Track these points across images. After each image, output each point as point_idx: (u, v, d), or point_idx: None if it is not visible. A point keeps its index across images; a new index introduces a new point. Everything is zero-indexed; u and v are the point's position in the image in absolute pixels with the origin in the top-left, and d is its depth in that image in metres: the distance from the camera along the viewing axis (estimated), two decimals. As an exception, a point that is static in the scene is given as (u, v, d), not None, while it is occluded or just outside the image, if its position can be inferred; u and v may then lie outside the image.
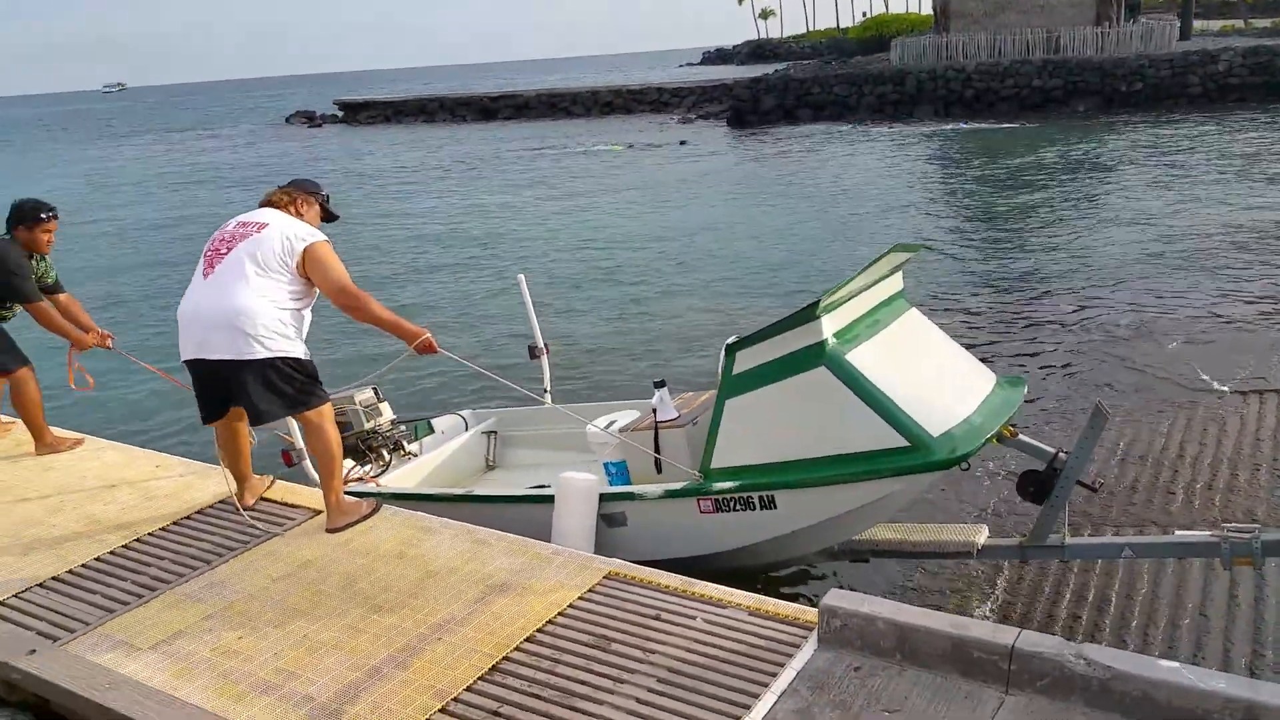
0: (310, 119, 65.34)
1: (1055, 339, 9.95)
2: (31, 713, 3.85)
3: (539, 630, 3.76)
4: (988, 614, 4.89)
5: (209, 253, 4.52)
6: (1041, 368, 9.15)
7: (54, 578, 4.56)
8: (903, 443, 3.94)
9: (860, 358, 4.11)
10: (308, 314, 4.60)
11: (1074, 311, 10.89)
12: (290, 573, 4.41)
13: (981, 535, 4.62)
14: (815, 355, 4.08)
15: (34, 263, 5.90)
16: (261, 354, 4.32)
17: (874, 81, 37.28)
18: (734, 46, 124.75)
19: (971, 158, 25.96)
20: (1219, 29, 58.74)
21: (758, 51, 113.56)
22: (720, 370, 4.37)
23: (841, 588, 3.58)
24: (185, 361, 4.53)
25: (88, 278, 16.66)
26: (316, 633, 3.89)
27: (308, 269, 4.45)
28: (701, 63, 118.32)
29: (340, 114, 62.69)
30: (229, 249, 4.44)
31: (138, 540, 4.88)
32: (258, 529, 4.85)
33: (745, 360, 4.28)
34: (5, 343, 6.00)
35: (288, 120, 67.66)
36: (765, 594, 3.96)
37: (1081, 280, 12.27)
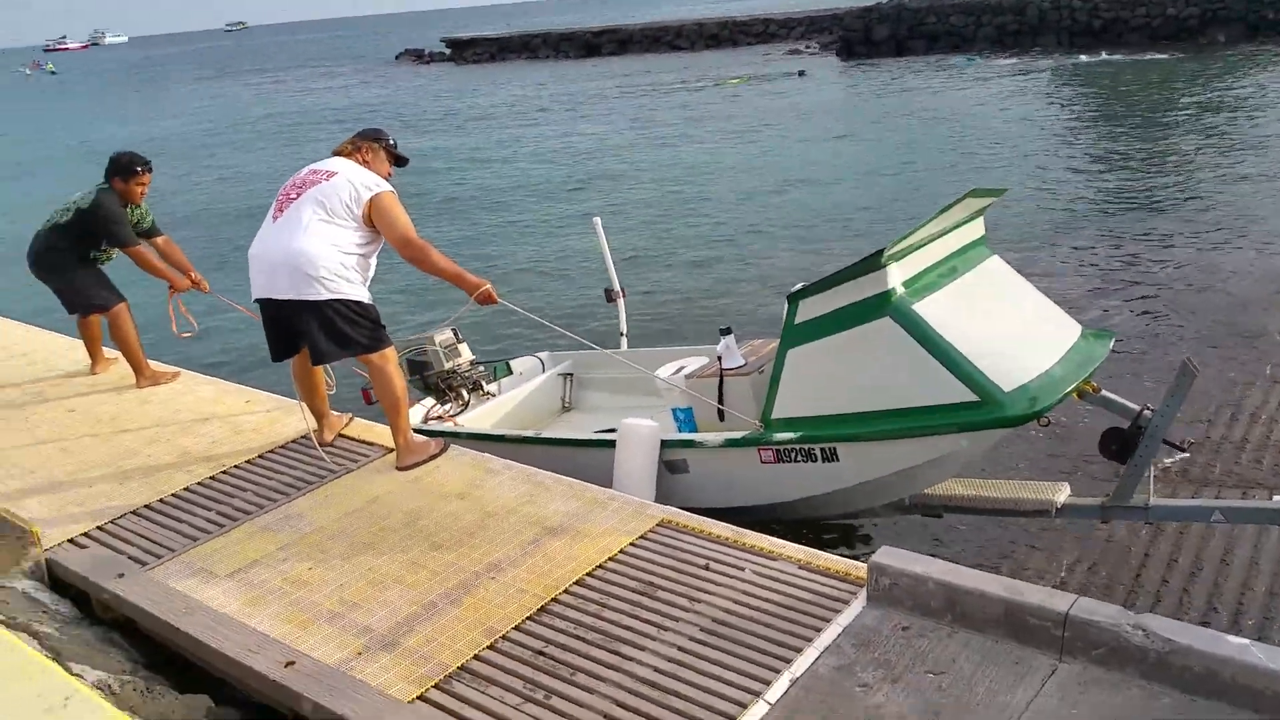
0: (419, 57, 66.11)
1: (1163, 292, 9.43)
2: (121, 631, 4.10)
3: (588, 574, 3.80)
4: (1064, 575, 4.74)
5: (280, 197, 4.63)
6: (1142, 321, 8.70)
7: (146, 505, 4.80)
8: (972, 397, 3.81)
9: (929, 308, 3.97)
10: (373, 261, 4.68)
11: (1186, 265, 10.25)
12: (359, 508, 4.55)
13: (1062, 494, 4.45)
14: (880, 305, 3.96)
15: (128, 210, 6.15)
16: (323, 295, 4.42)
17: (993, 11, 35.53)
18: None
19: (1095, 93, 24.60)
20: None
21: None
22: (784, 319, 4.28)
23: (896, 546, 3.48)
24: (255, 300, 4.68)
25: (190, 221, 17.33)
26: (380, 567, 4.02)
27: (373, 218, 4.52)
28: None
29: (447, 51, 63.17)
30: (299, 194, 4.54)
31: (224, 472, 5.10)
32: (333, 465, 5.00)
33: (808, 309, 4.18)
34: (103, 280, 6.30)
35: (396, 58, 68.52)
36: (819, 549, 3.91)
37: (1205, 230, 11.48)
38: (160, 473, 5.15)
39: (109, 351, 6.76)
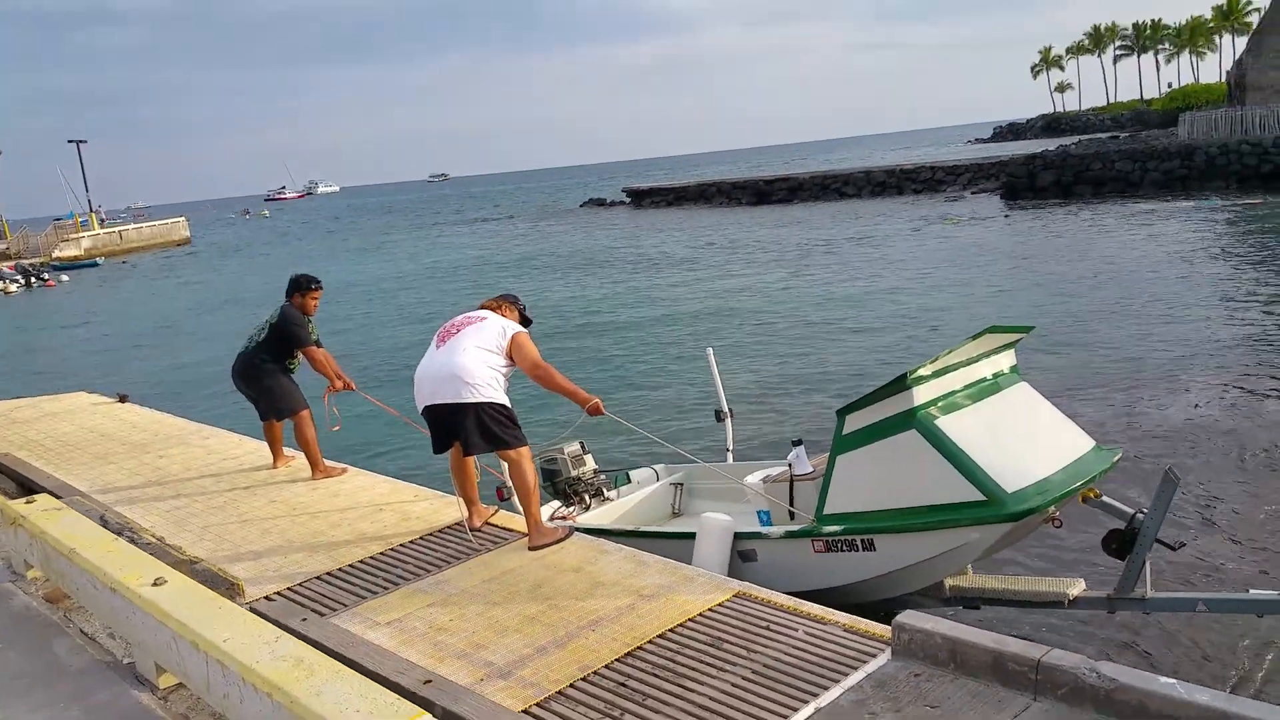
0: (601, 205, 70.40)
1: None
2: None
3: (670, 630, 4.62)
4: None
5: (441, 333, 5.92)
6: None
7: (327, 573, 5.92)
8: (979, 496, 4.51)
9: (951, 423, 4.73)
10: (509, 380, 5.84)
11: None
12: (495, 577, 5.53)
13: (1076, 587, 4.99)
14: (907, 419, 4.76)
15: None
16: (477, 399, 5.55)
17: (1159, 157, 35.48)
18: (1027, 121, 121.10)
19: (1254, 234, 24.25)
20: None
21: (1052, 125, 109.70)
22: (834, 430, 5.11)
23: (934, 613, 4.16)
24: (421, 411, 5.85)
25: (357, 343, 19.51)
26: (504, 620, 4.95)
27: (512, 350, 5.73)
28: (992, 138, 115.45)
29: (628, 199, 67.04)
30: (458, 330, 5.82)
31: (391, 550, 6.19)
32: (478, 545, 6.03)
33: (853, 422, 5.00)
34: (296, 388, 7.67)
35: (581, 206, 73.06)
36: (869, 618, 4.60)
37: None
38: (340, 548, 6.30)
39: (289, 451, 8.10)
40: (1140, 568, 4.73)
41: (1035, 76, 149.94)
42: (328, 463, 7.82)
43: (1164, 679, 3.31)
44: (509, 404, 5.76)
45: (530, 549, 5.83)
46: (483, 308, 6.14)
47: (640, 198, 65.45)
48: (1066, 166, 37.70)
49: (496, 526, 6.37)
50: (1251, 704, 3.22)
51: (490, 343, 5.75)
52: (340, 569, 5.96)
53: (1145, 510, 4.78)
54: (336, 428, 7.76)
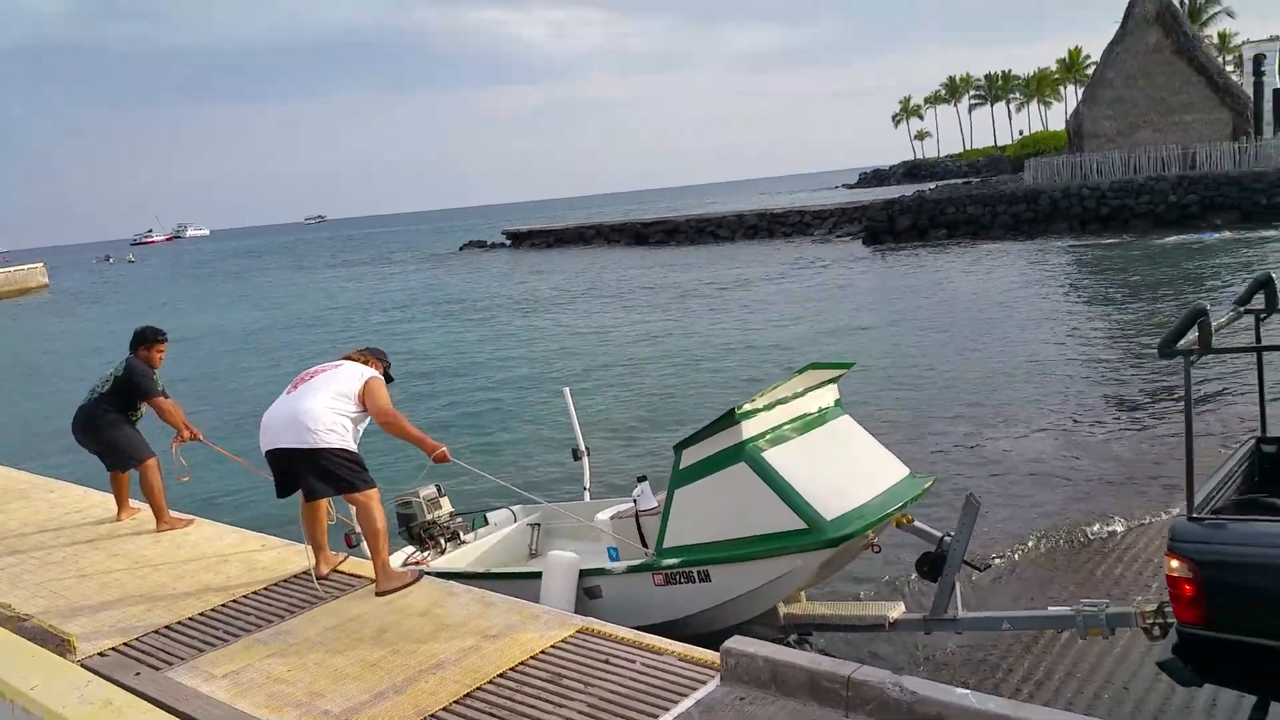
0: (481, 247, 70.01)
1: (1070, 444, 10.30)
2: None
3: (511, 669, 4.66)
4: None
5: (295, 380, 5.89)
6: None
7: (166, 626, 5.74)
8: (801, 525, 4.75)
9: (777, 455, 4.97)
10: (361, 427, 5.83)
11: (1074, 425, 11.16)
12: (339, 624, 5.47)
13: (896, 610, 5.27)
14: (737, 452, 4.98)
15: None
16: (316, 444, 5.51)
17: (1008, 201, 37.56)
18: (890, 167, 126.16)
19: (1091, 273, 25.95)
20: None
21: (913, 171, 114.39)
22: (671, 465, 5.28)
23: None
24: (265, 454, 5.78)
25: (216, 392, 19.05)
26: (344, 668, 4.90)
27: (365, 396, 5.71)
28: (857, 184, 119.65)
29: (508, 242, 66.92)
30: (311, 377, 5.80)
31: (234, 601, 6.05)
32: (324, 593, 5.95)
33: (689, 456, 5.19)
34: (140, 437, 7.47)
35: (461, 249, 72.44)
36: (707, 648, 4.74)
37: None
38: (181, 601, 6.11)
39: (135, 503, 7.86)
40: (950, 589, 5.02)
41: (896, 125, 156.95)
42: (173, 514, 7.60)
43: (960, 690, 3.54)
44: (355, 449, 5.73)
45: (378, 594, 5.79)
46: (344, 359, 6.13)
47: (520, 240, 65.47)
48: (922, 211, 39.49)
49: (344, 573, 6.29)
50: (1038, 709, 3.48)
51: (343, 388, 5.73)
52: (179, 622, 5.79)
53: (952, 534, 5.08)
54: (185, 478, 7.56)
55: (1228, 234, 30.21)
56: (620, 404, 14.97)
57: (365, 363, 6.09)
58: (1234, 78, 42.74)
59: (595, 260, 48.20)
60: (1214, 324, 4.31)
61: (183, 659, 5.27)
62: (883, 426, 11.65)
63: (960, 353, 16.89)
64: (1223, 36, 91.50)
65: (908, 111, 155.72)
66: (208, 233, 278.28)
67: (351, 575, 6.24)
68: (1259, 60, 40.80)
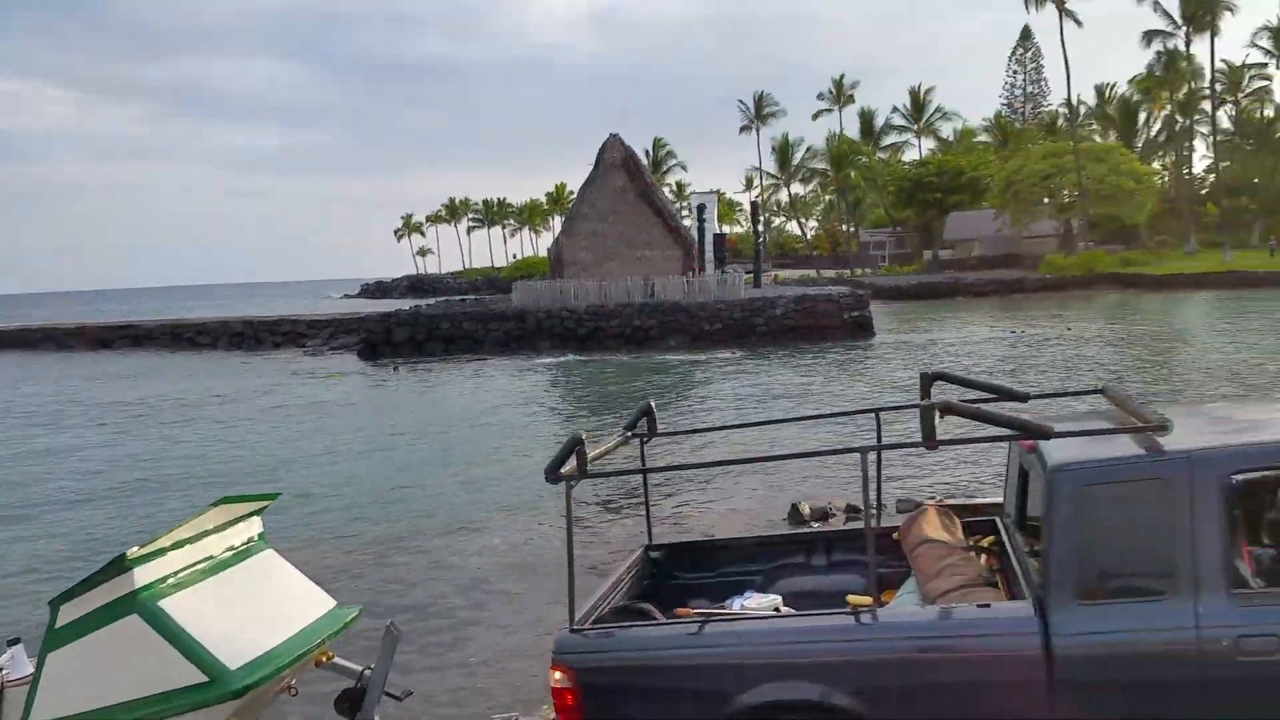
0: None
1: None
2: None
3: None
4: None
5: None
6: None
7: None
8: (203, 678, 4.30)
9: (175, 603, 4.45)
10: None
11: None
12: None
13: None
14: (129, 603, 4.38)
15: None
16: None
17: (499, 319, 39.66)
18: (393, 280, 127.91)
19: (563, 387, 28.37)
20: (798, 277, 69.17)
21: (416, 285, 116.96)
22: (47, 624, 4.54)
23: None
24: None
25: None
26: None
27: None
28: (359, 294, 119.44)
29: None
30: None
31: None
32: None
33: (68, 613, 4.46)
34: None
35: None
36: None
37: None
38: None
39: None
40: (369, 721, 4.84)
41: (399, 239, 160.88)
42: None
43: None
44: None
45: None
46: None
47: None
48: (419, 325, 40.21)
49: None
50: None
51: None
52: None
53: (373, 666, 4.94)
54: None
55: (682, 354, 34.73)
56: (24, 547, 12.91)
57: None
58: (686, 221, 49.84)
59: (36, 369, 42.20)
60: (601, 449, 4.70)
61: None
62: (329, 556, 11.42)
63: (431, 467, 17.10)
64: (679, 186, 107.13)
65: (410, 227, 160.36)
66: None
67: None
68: (701, 209, 47.89)
